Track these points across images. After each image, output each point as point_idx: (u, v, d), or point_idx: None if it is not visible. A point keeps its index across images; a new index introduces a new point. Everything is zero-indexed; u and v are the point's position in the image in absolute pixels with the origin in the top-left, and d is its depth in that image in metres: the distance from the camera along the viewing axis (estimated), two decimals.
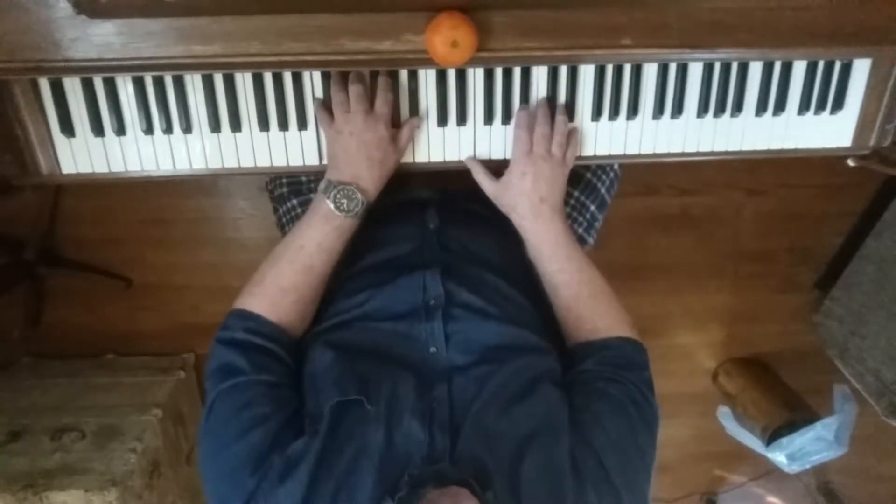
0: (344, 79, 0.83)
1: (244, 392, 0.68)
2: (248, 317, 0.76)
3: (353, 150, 0.81)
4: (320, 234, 0.80)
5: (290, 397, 0.70)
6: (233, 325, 0.75)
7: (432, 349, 0.75)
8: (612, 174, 1.10)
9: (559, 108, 0.88)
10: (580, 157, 0.92)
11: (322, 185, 0.82)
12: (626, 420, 0.70)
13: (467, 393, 0.69)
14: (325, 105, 0.84)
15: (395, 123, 0.87)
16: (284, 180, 1.08)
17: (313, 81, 0.86)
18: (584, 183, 1.07)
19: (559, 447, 0.65)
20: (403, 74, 0.86)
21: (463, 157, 0.92)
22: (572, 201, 1.06)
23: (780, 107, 0.93)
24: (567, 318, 0.84)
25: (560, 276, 0.84)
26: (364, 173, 0.81)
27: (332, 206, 0.79)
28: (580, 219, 1.07)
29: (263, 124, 0.88)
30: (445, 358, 0.74)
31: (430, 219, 0.94)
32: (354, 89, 0.81)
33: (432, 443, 0.64)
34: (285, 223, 1.08)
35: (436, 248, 0.88)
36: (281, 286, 0.77)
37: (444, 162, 0.92)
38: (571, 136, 0.88)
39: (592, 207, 1.08)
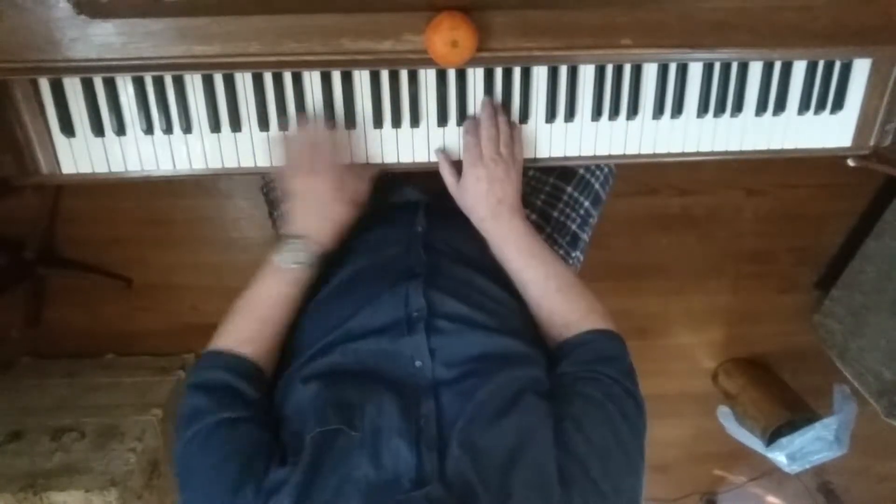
0: (286, 136, 0.86)
1: (206, 437, 0.69)
2: (215, 354, 0.78)
3: (303, 206, 0.84)
4: (274, 286, 0.82)
5: (253, 430, 0.70)
6: (201, 365, 0.77)
7: (417, 363, 0.73)
8: (606, 169, 1.10)
9: (499, 109, 0.89)
10: (582, 157, 0.92)
11: (277, 240, 0.84)
12: (606, 420, 0.68)
13: (453, 409, 0.68)
14: (280, 164, 0.87)
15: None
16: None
17: (313, 81, 0.86)
18: (577, 179, 1.06)
19: (547, 461, 0.64)
20: (404, 75, 0.86)
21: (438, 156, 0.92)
22: (565, 197, 1.06)
23: (780, 107, 0.93)
24: (540, 315, 0.84)
25: (526, 272, 0.84)
26: (313, 226, 0.84)
27: (282, 259, 0.82)
28: (573, 215, 1.07)
29: (263, 124, 0.88)
30: (431, 372, 0.73)
31: (418, 221, 0.94)
32: (301, 149, 0.84)
33: (420, 463, 0.63)
34: (280, 225, 1.08)
35: (420, 252, 0.87)
36: (242, 338, 0.79)
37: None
38: (515, 133, 0.89)
39: (587, 203, 1.08)
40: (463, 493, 0.60)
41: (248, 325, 0.80)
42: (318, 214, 0.84)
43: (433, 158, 0.91)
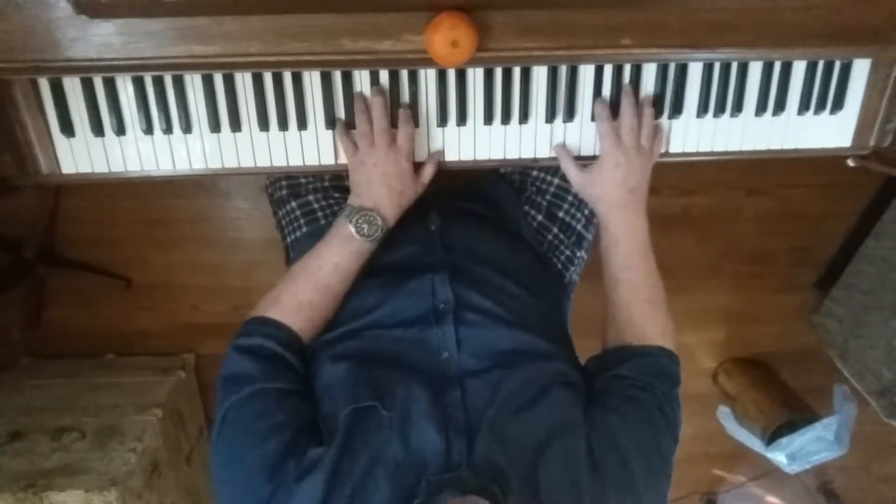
0: (367, 106, 0.84)
1: (258, 401, 0.69)
2: (265, 322, 0.78)
3: (375, 180, 0.83)
4: (338, 255, 0.82)
5: (302, 405, 0.71)
6: (250, 330, 0.77)
7: (444, 354, 0.75)
8: None
9: (646, 101, 0.88)
10: (583, 158, 0.92)
11: (345, 210, 0.84)
12: (653, 427, 0.71)
13: (481, 397, 0.69)
14: (349, 133, 0.86)
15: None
16: (284, 182, 1.08)
17: (313, 81, 0.86)
18: None
19: (575, 449, 0.66)
20: (404, 75, 0.86)
21: (555, 150, 0.91)
22: (570, 198, 1.07)
23: (780, 107, 0.92)
24: (618, 316, 0.84)
25: (628, 272, 0.85)
26: (385, 202, 0.83)
27: (352, 230, 0.81)
28: (578, 215, 1.07)
29: (263, 124, 0.88)
30: (457, 363, 0.74)
31: (431, 220, 0.94)
32: (378, 123, 0.83)
33: (449, 449, 0.64)
34: (285, 225, 1.08)
35: (439, 250, 0.88)
36: (297, 302, 0.80)
37: (445, 162, 0.92)
38: (658, 128, 0.89)
39: None
40: (493, 476, 0.61)
41: (307, 291, 0.80)
42: (390, 188, 0.83)
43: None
